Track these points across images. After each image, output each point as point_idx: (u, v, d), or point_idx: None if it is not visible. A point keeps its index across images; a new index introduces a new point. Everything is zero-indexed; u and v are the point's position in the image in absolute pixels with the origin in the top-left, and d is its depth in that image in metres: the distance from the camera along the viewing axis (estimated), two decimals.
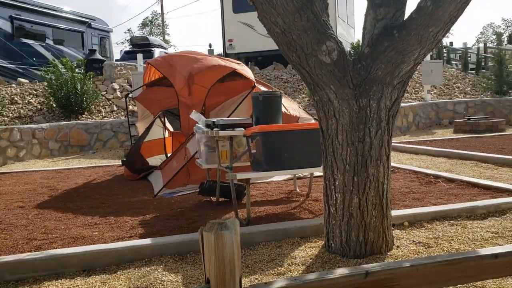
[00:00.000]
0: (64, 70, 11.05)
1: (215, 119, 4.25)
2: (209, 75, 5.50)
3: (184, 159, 5.26)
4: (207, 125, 4.37)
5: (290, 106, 5.79)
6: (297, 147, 3.83)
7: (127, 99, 8.28)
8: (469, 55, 17.65)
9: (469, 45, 22.48)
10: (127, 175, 6.47)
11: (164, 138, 6.92)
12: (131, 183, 6.07)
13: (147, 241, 3.31)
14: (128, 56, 17.11)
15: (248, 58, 14.71)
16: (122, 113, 11.59)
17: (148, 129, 6.46)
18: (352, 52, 13.74)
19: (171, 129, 7.08)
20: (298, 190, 5.04)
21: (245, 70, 5.74)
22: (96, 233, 3.74)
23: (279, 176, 5.60)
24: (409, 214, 3.78)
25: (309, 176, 4.86)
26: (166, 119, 6.84)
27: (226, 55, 15.24)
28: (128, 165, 6.37)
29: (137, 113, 8.27)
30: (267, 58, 15.16)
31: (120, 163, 7.79)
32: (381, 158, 3.04)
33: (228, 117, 5.21)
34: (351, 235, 3.04)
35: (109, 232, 3.74)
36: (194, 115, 4.50)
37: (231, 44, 15.21)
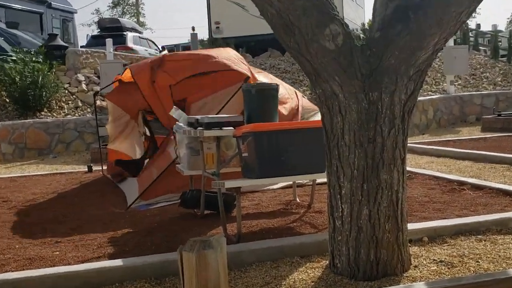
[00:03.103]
0: (19, 58, 11.01)
1: (199, 117, 4.25)
2: None
3: (165, 164, 5.29)
4: (190, 124, 4.35)
5: (286, 92, 5.80)
6: (297, 149, 3.84)
7: (96, 96, 8.22)
8: (499, 39, 17.74)
9: (500, 28, 22.62)
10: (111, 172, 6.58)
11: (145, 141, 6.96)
12: (99, 193, 6.05)
13: (118, 262, 3.29)
14: (96, 41, 17.10)
15: (238, 43, 14.72)
16: (89, 110, 11.55)
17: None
18: (362, 36, 13.76)
19: (147, 133, 7.06)
20: (298, 200, 5.06)
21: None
22: (58, 253, 3.72)
23: (275, 184, 5.61)
24: (429, 228, 3.79)
25: (311, 183, 4.87)
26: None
27: (212, 39, 15.23)
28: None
29: (106, 110, 8.21)
30: (261, 43, 15.17)
31: (87, 169, 7.77)
32: (395, 161, 3.03)
33: (216, 114, 5.21)
34: (360, 253, 3.02)
35: (73, 252, 3.72)
36: (175, 113, 4.53)
37: (218, 27, 15.23)
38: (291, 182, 5.19)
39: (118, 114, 6.88)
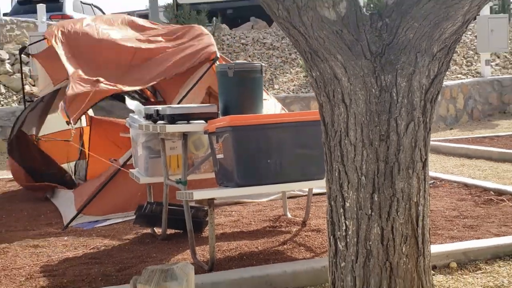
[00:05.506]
0: None
1: (159, 107, 4.24)
2: None
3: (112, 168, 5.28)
4: (148, 116, 4.34)
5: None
6: (288, 149, 3.87)
7: (23, 56, 7.92)
8: None
9: None
10: (17, 178, 6.52)
11: (82, 128, 6.96)
12: (30, 207, 5.99)
13: None
14: (24, 8, 16.92)
15: (212, 11, 14.66)
16: (15, 98, 11.41)
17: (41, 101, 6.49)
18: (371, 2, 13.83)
19: (90, 113, 6.97)
20: (289, 215, 5.09)
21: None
22: None
23: (260, 195, 5.63)
24: (458, 251, 3.83)
25: (306, 194, 4.89)
26: None
27: (176, 6, 15.17)
28: (19, 160, 6.47)
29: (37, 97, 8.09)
30: (242, 11, 15.12)
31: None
32: (415, 165, 3.02)
33: (179, 102, 5.22)
34: (369, 283, 2.97)
35: None
36: (132, 103, 4.50)
37: None
38: (280, 193, 5.19)
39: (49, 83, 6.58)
